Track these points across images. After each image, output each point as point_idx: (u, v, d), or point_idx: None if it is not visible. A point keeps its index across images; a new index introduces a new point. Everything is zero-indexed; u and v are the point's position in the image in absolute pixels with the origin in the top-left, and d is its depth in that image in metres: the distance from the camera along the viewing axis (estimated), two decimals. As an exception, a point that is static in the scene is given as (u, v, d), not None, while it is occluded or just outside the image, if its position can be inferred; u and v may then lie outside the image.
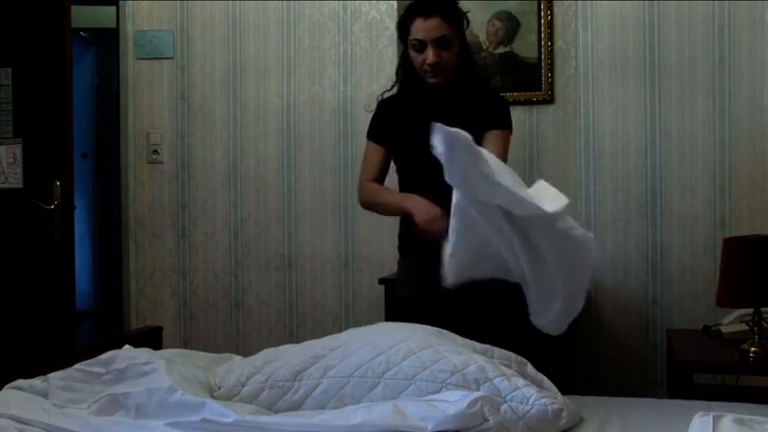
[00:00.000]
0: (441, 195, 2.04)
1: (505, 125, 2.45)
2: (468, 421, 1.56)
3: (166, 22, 3.87)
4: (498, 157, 2.14)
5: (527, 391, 1.74)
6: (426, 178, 2.19)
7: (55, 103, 3.41)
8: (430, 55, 2.32)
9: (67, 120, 3.42)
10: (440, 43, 2.32)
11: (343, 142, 3.73)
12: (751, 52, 3.31)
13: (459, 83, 2.41)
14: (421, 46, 2.34)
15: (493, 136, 2.37)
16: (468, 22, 2.45)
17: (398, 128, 2.47)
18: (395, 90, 2.55)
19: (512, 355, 1.99)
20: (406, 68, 2.46)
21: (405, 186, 2.49)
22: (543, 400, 1.72)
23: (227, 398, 1.82)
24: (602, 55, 3.44)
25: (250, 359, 2.00)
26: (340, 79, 3.74)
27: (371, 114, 2.58)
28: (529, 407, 1.71)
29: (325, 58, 3.75)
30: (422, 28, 2.31)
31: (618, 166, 3.42)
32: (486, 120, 2.40)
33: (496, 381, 1.75)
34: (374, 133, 2.55)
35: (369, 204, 2.53)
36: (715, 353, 2.87)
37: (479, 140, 2.24)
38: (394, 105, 2.51)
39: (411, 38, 2.35)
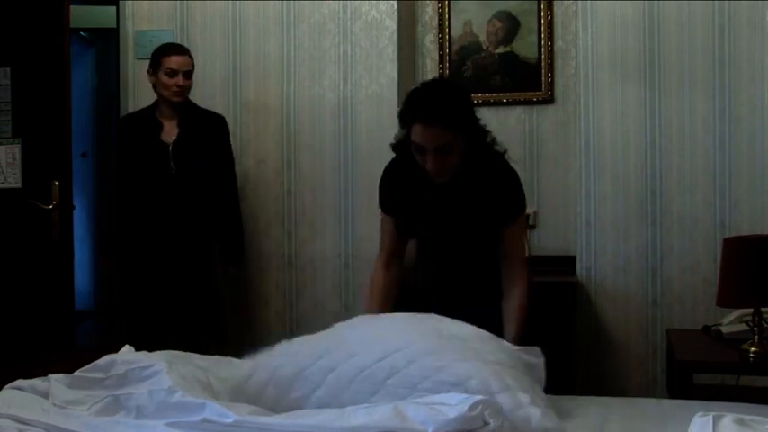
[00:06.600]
0: (447, 264, 2.46)
1: (518, 213, 2.40)
2: (469, 424, 1.55)
3: (166, 22, 3.87)
4: (520, 250, 2.38)
5: (531, 412, 1.68)
6: (436, 252, 2.50)
7: (54, 102, 3.40)
8: (429, 162, 2.22)
9: (66, 120, 3.42)
10: (440, 150, 2.21)
11: (343, 142, 3.73)
12: (751, 52, 3.30)
13: (465, 179, 2.33)
14: (419, 149, 2.24)
15: (510, 232, 2.37)
16: (472, 105, 2.33)
17: (408, 206, 2.43)
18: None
19: (521, 355, 1.96)
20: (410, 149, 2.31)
21: (420, 250, 2.59)
22: (546, 425, 1.68)
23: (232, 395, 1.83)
24: (602, 55, 3.44)
25: (256, 357, 1.99)
26: (340, 79, 3.73)
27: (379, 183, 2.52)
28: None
29: (325, 58, 3.75)
30: (421, 133, 2.20)
31: (618, 166, 3.42)
32: (502, 215, 2.35)
33: (500, 397, 1.69)
34: (385, 206, 2.49)
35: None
36: (715, 353, 2.87)
37: (495, 234, 2.35)
38: (400, 176, 2.43)
39: (411, 138, 2.24)
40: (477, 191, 2.34)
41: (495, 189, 2.35)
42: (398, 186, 2.43)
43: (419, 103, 2.23)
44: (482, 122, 2.36)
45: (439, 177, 2.29)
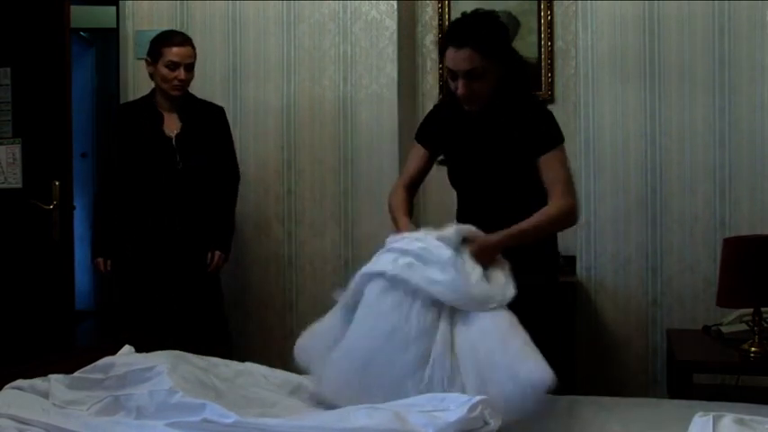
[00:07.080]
0: (478, 201, 2.44)
1: (555, 143, 2.36)
2: (470, 425, 1.56)
3: (166, 22, 3.86)
4: (561, 177, 2.29)
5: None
6: (465, 185, 2.50)
7: (54, 102, 3.40)
8: (459, 86, 2.29)
9: (67, 120, 3.41)
10: (469, 75, 2.27)
11: (343, 142, 3.73)
12: (751, 52, 3.30)
13: (495, 109, 2.35)
14: (452, 75, 2.31)
15: (547, 161, 2.33)
16: (508, 33, 2.40)
17: (443, 137, 2.49)
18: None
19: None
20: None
21: (454, 186, 2.58)
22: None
23: None
24: (602, 55, 3.43)
25: None
26: (340, 79, 3.73)
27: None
28: None
29: (325, 58, 3.74)
30: (452, 58, 2.28)
31: (618, 166, 3.42)
32: (534, 144, 2.34)
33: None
34: (420, 134, 2.55)
35: (389, 210, 2.58)
36: (715, 353, 2.87)
37: (531, 166, 2.32)
38: (444, 113, 2.51)
39: (445, 65, 2.34)
40: (508, 121, 2.34)
41: (527, 120, 2.35)
42: (438, 117, 2.51)
43: (453, 29, 2.34)
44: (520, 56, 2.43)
45: (469, 104, 2.33)
